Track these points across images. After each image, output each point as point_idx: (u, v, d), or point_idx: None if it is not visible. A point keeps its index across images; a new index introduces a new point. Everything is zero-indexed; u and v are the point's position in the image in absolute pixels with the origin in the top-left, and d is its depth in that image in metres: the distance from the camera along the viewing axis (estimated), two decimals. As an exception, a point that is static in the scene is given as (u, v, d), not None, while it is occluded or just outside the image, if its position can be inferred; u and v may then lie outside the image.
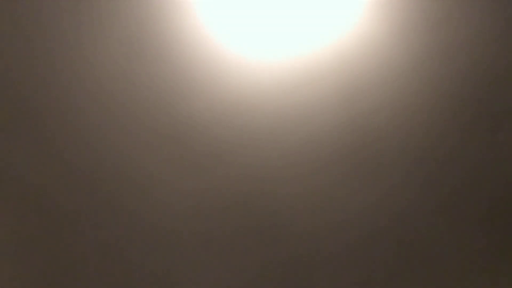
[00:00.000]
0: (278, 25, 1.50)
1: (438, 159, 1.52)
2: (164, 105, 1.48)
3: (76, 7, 1.46)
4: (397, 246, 1.51)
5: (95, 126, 1.47)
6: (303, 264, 1.50)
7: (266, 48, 1.50)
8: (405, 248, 1.51)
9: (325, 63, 1.50)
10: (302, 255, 1.50)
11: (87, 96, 1.47)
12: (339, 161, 1.51)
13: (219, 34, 1.49)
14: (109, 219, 1.47)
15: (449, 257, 1.52)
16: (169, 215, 1.48)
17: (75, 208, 1.47)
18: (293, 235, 1.50)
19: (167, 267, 1.48)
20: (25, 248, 1.46)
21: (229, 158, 1.49)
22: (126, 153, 1.47)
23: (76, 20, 1.47)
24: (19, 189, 1.46)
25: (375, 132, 1.51)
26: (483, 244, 1.52)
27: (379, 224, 1.51)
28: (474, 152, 1.52)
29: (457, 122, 1.52)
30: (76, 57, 1.47)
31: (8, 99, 1.46)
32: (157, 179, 1.48)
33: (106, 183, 1.47)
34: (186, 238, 1.48)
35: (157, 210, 1.48)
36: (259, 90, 1.50)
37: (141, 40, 1.47)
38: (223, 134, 1.49)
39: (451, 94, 1.52)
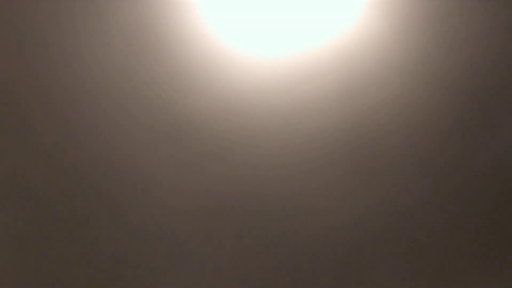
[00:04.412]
0: (278, 23, 1.50)
1: (440, 157, 1.52)
2: (163, 104, 1.48)
3: (73, 6, 1.46)
4: (400, 246, 1.51)
5: (93, 125, 1.47)
6: (304, 264, 1.50)
7: (266, 46, 1.50)
8: (408, 247, 1.51)
9: (325, 60, 1.50)
10: (302, 255, 1.50)
11: (85, 95, 1.47)
12: (341, 159, 1.51)
13: (219, 32, 1.49)
14: (106, 218, 1.47)
15: (453, 256, 1.52)
16: (167, 214, 1.48)
17: (71, 208, 1.47)
18: (293, 235, 1.50)
19: (164, 267, 1.48)
20: (22, 248, 1.46)
21: (228, 156, 1.49)
22: (125, 151, 1.47)
23: (74, 19, 1.47)
24: (15, 189, 1.46)
25: (375, 131, 1.51)
26: (487, 242, 1.52)
27: (381, 223, 1.51)
28: (476, 149, 1.52)
29: (459, 120, 1.52)
30: (74, 56, 1.47)
31: (5, 99, 1.46)
32: (155, 178, 1.48)
33: (104, 182, 1.47)
34: (184, 237, 1.48)
35: (155, 209, 1.48)
36: (259, 88, 1.50)
37: (140, 38, 1.47)
38: (223, 132, 1.49)
39: (452, 92, 1.52)
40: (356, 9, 1.50)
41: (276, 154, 1.50)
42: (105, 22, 1.46)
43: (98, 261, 1.47)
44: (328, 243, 1.50)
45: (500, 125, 1.53)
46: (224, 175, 1.49)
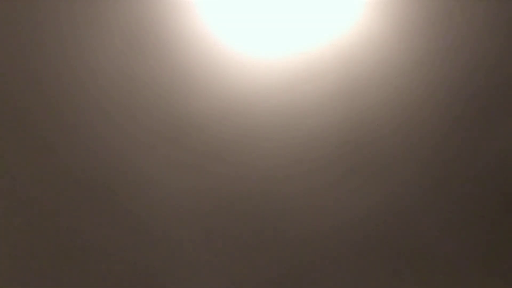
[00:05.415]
0: (279, 23, 1.50)
1: (441, 157, 1.52)
2: (163, 103, 1.48)
3: (73, 6, 1.46)
4: (400, 246, 1.51)
5: (93, 125, 1.47)
6: (304, 265, 1.50)
7: (266, 46, 1.49)
8: (409, 248, 1.51)
9: (326, 60, 1.50)
10: (302, 256, 1.50)
11: (85, 95, 1.47)
12: (341, 159, 1.51)
13: (219, 32, 1.49)
14: (106, 218, 1.47)
15: (453, 256, 1.52)
16: (168, 215, 1.48)
17: (70, 208, 1.47)
18: (293, 235, 1.50)
19: (164, 266, 1.48)
20: (22, 247, 1.46)
21: (228, 156, 1.49)
22: (125, 152, 1.47)
23: (74, 19, 1.46)
24: (15, 189, 1.46)
25: (375, 131, 1.51)
26: (487, 242, 1.52)
27: (381, 223, 1.51)
28: (476, 149, 1.52)
29: (459, 120, 1.52)
30: (74, 56, 1.47)
31: (4, 98, 1.46)
32: (155, 178, 1.48)
33: (104, 181, 1.47)
34: (184, 237, 1.48)
35: (156, 210, 1.48)
36: (259, 88, 1.49)
37: (140, 38, 1.47)
38: (223, 132, 1.49)
39: (452, 92, 1.52)
40: (356, 9, 1.50)
41: (276, 154, 1.50)
42: (105, 22, 1.46)
43: (98, 261, 1.47)
44: (328, 243, 1.50)
45: (500, 125, 1.52)
46: (224, 175, 1.49)
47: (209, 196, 1.49)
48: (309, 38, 1.50)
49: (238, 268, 1.49)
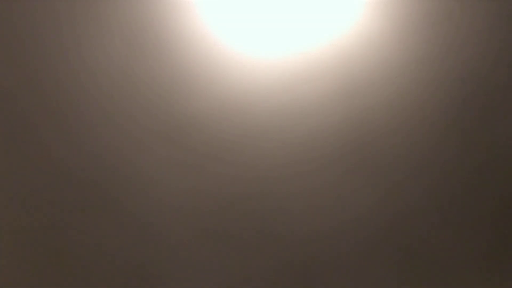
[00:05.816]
0: (279, 23, 1.49)
1: (440, 157, 1.52)
2: (163, 104, 1.48)
3: (73, 6, 1.46)
4: (399, 246, 1.51)
5: (93, 125, 1.47)
6: (304, 264, 1.50)
7: (266, 46, 1.49)
8: (409, 248, 1.51)
9: (325, 60, 1.50)
10: (301, 256, 1.50)
11: (85, 95, 1.47)
12: (340, 159, 1.51)
13: (219, 32, 1.49)
14: (105, 218, 1.47)
15: (452, 255, 1.52)
16: (167, 215, 1.48)
17: (70, 208, 1.47)
18: (292, 235, 1.50)
19: (164, 267, 1.48)
20: (21, 247, 1.46)
21: (228, 156, 1.49)
22: (125, 152, 1.47)
23: (74, 19, 1.46)
24: (15, 188, 1.46)
25: (375, 131, 1.51)
26: (485, 244, 1.52)
27: (381, 223, 1.51)
28: (475, 150, 1.52)
29: (458, 120, 1.52)
30: (74, 57, 1.46)
31: (4, 99, 1.46)
32: (155, 178, 1.48)
33: (104, 182, 1.47)
34: (184, 237, 1.48)
35: (155, 210, 1.48)
36: (259, 88, 1.49)
37: (140, 38, 1.47)
38: (223, 132, 1.49)
39: (452, 92, 1.52)
40: (356, 9, 1.50)
41: (276, 154, 1.50)
42: (105, 22, 1.46)
43: (97, 260, 1.47)
44: (328, 243, 1.50)
45: (500, 125, 1.52)
46: (224, 175, 1.49)
47: (209, 196, 1.48)
48: (309, 38, 1.49)
49: (238, 268, 1.49)
